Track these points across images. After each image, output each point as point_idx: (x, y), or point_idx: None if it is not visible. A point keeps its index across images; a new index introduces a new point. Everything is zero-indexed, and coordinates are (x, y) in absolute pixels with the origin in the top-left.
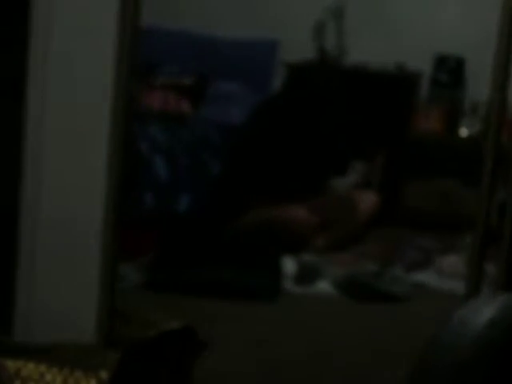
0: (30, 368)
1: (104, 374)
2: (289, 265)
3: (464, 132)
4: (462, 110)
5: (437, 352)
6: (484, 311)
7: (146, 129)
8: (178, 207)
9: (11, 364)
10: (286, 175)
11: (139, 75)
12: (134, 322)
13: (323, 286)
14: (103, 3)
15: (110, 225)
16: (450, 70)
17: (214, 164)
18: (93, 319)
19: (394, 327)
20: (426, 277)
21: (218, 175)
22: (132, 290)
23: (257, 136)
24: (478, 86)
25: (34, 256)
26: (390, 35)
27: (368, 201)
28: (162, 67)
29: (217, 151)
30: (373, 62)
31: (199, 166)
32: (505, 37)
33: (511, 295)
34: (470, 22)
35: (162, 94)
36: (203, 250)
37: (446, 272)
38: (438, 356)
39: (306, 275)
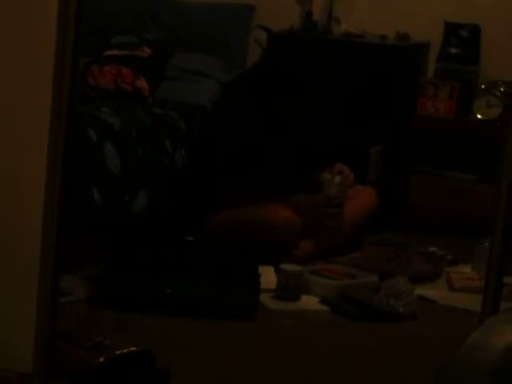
0: None
1: None
2: (268, 276)
3: (479, 116)
4: (476, 88)
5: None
6: (503, 333)
7: (95, 112)
8: (134, 206)
9: None
10: (265, 167)
11: (86, 47)
12: (80, 345)
13: (309, 302)
14: None
15: (50, 228)
16: (463, 40)
17: (178, 154)
18: (31, 342)
19: (396, 351)
20: (434, 291)
21: (182, 167)
22: (78, 307)
23: (230, 120)
24: (494, 61)
25: None
26: (390, 1)
27: (363, 199)
28: (115, 37)
29: (181, 138)
30: (369, 32)
31: (159, 156)
32: None
33: None
34: None
35: (114, 69)
36: (165, 259)
37: (457, 285)
38: None
39: (289, 289)
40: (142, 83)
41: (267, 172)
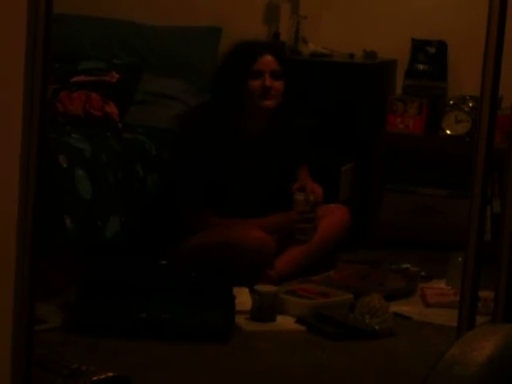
0: None
1: None
2: (243, 298)
3: (448, 131)
4: (444, 104)
5: None
6: (482, 346)
7: (65, 138)
8: (106, 231)
9: None
10: (235, 188)
11: (54, 73)
12: (56, 373)
13: (285, 322)
14: None
15: (23, 256)
16: (430, 56)
17: (149, 178)
18: (7, 370)
19: (373, 368)
20: (409, 307)
21: (154, 191)
22: (53, 334)
23: (200, 143)
24: (462, 76)
25: None
26: (357, 19)
27: (336, 217)
28: (82, 63)
29: (152, 162)
30: (337, 51)
31: (131, 180)
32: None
33: None
34: (450, 4)
35: (82, 95)
36: (138, 283)
37: (432, 301)
38: None
39: (264, 310)
40: (112, 108)
41: (238, 193)
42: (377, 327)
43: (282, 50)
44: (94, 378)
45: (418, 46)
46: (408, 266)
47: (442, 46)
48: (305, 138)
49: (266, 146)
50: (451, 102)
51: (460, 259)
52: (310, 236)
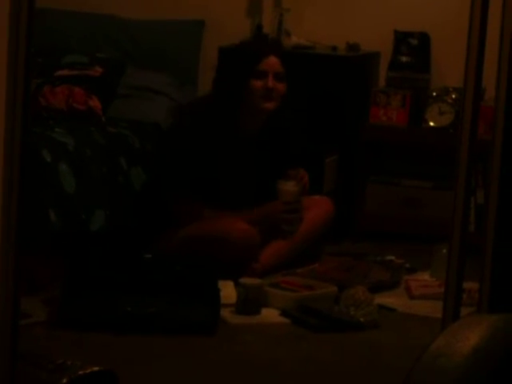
0: None
1: None
2: (228, 291)
3: (431, 123)
4: (427, 96)
5: None
6: (467, 338)
7: (48, 132)
8: (91, 225)
9: None
10: (228, 184)
11: (37, 67)
12: (42, 367)
13: (270, 315)
14: None
15: (7, 251)
16: (413, 48)
17: (134, 171)
18: None
19: (358, 360)
20: (393, 299)
21: (139, 184)
22: (38, 329)
23: (195, 137)
24: (445, 68)
25: None
26: (340, 12)
27: (321, 209)
28: (65, 57)
29: (136, 156)
30: (320, 43)
31: (115, 174)
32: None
33: (498, 317)
34: None
35: (65, 89)
36: (124, 277)
37: (416, 292)
38: None
39: (249, 303)
40: (95, 102)
41: (225, 186)
42: (361, 319)
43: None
44: (80, 373)
45: (401, 38)
46: (392, 257)
47: (424, 38)
48: (301, 138)
49: (261, 145)
50: (434, 94)
51: (444, 251)
52: (296, 227)
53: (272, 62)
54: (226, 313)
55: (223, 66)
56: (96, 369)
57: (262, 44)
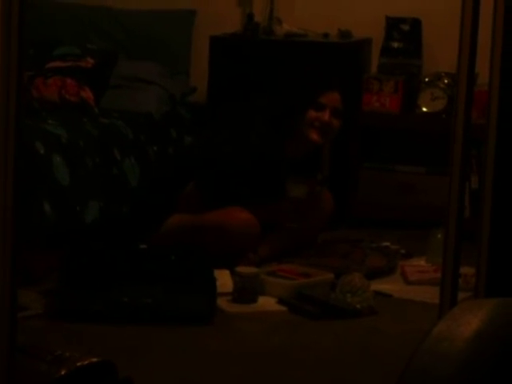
0: None
1: None
2: (224, 280)
3: (424, 109)
4: (420, 82)
5: (413, 379)
6: (468, 322)
7: (41, 124)
8: (86, 217)
9: None
10: (218, 172)
11: (29, 59)
12: (40, 359)
13: (266, 303)
14: None
15: (4, 244)
16: (405, 34)
17: (127, 162)
18: None
19: (356, 347)
20: (390, 285)
21: (133, 175)
22: (36, 321)
23: (238, 152)
24: (437, 53)
25: None
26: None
27: (322, 204)
28: (57, 48)
29: (129, 146)
30: (311, 31)
31: (108, 165)
32: None
33: (498, 301)
34: None
35: (58, 81)
36: (120, 268)
37: (412, 278)
38: None
39: (246, 291)
40: (87, 93)
41: (223, 177)
42: (358, 306)
43: None
44: (78, 364)
45: (392, 24)
46: (388, 243)
47: (415, 24)
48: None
49: (299, 172)
50: (426, 80)
51: (439, 236)
52: (299, 223)
53: (333, 97)
54: (222, 302)
55: (286, 89)
56: (94, 360)
57: (327, 78)
